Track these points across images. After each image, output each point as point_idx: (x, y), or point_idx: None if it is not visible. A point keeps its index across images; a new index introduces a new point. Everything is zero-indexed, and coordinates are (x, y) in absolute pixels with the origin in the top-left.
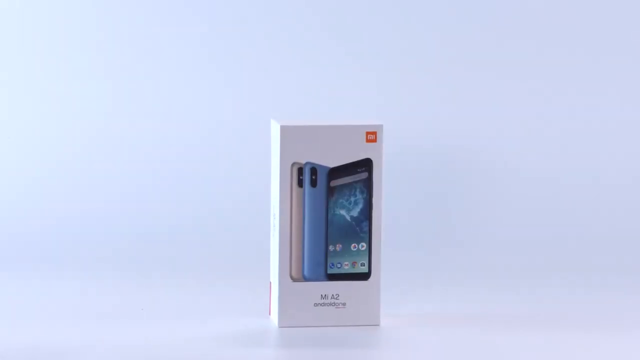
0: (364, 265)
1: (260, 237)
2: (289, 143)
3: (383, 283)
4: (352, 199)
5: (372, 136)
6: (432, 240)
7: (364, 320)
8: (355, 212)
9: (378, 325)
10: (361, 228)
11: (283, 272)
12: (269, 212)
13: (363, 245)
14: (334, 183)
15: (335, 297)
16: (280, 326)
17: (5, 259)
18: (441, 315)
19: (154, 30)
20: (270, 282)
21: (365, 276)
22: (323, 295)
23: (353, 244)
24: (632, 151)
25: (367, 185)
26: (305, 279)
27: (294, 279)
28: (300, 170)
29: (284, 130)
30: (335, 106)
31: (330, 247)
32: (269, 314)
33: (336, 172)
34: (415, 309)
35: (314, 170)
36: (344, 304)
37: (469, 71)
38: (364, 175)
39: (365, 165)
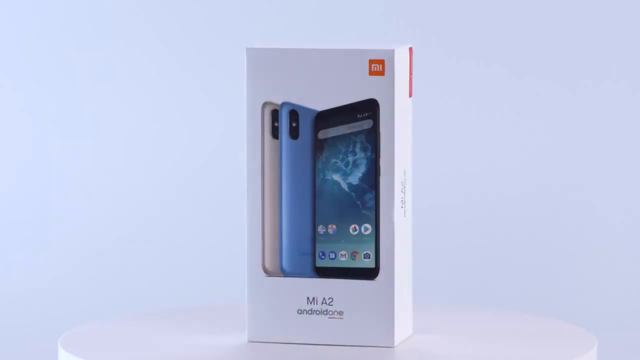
0: (369, 258)
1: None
2: (259, 75)
3: (399, 284)
4: (350, 158)
5: (378, 67)
6: (469, 218)
7: (371, 339)
8: (354, 179)
9: (392, 347)
10: (364, 202)
11: (252, 262)
12: None
13: (367, 228)
14: (323, 134)
15: (327, 302)
16: (251, 340)
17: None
18: (485, 329)
19: (151, 29)
20: None
21: (371, 273)
22: (310, 299)
23: (353, 225)
24: None
25: (373, 140)
26: (285, 273)
27: (268, 273)
28: (275, 114)
29: (252, 54)
30: None
31: (320, 229)
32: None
33: (326, 117)
34: (451, 321)
35: (294, 114)
36: (340, 314)
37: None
38: (367, 123)
39: (368, 109)
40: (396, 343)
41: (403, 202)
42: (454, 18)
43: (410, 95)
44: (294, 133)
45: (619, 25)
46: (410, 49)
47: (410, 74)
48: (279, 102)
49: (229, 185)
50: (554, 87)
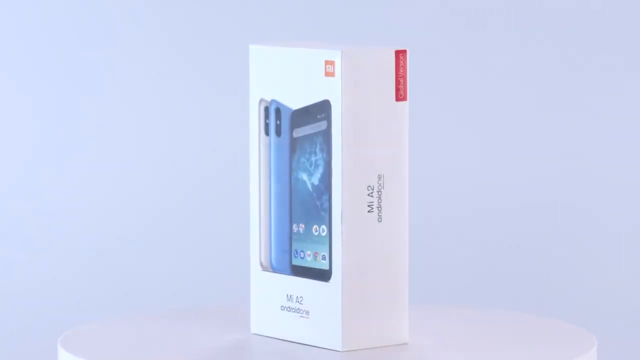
0: (325, 259)
1: None
2: (260, 72)
3: (352, 287)
4: (313, 158)
5: (331, 67)
6: (469, 218)
7: (324, 340)
8: (316, 179)
9: (338, 350)
10: (322, 203)
11: (254, 256)
12: None
13: (324, 229)
14: (296, 133)
15: (299, 300)
16: (254, 332)
17: None
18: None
19: (149, 28)
20: None
21: (325, 275)
22: (289, 296)
23: (314, 226)
24: None
25: (327, 141)
26: (273, 269)
27: (262, 267)
28: (267, 111)
29: (255, 52)
30: None
31: (294, 227)
32: None
33: (297, 116)
34: (450, 321)
35: (278, 112)
36: (307, 313)
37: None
38: (324, 124)
39: (324, 110)
40: (348, 348)
41: (375, 206)
42: (454, 18)
43: (401, 99)
44: (278, 131)
45: (621, 26)
46: (399, 52)
47: (401, 77)
48: (269, 99)
49: (229, 183)
50: (554, 91)
